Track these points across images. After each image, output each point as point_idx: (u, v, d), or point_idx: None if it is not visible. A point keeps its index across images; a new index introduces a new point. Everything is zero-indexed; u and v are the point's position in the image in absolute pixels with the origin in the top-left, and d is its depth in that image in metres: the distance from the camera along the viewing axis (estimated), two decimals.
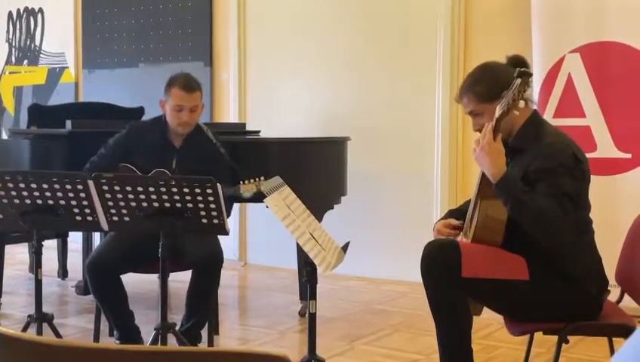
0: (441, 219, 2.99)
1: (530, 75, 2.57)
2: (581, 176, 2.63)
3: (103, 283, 3.41)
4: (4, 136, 7.27)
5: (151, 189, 2.83)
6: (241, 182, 3.40)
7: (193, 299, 3.50)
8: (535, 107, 2.85)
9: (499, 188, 2.55)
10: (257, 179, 3.37)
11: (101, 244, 3.62)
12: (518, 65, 2.67)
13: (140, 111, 5.45)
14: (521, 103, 2.55)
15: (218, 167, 3.56)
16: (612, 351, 2.90)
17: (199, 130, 3.69)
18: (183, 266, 3.47)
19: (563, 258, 2.62)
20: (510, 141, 2.71)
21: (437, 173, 5.28)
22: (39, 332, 3.17)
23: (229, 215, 3.40)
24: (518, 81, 2.51)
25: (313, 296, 2.62)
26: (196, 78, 3.66)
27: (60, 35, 7.18)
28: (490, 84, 2.70)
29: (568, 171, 2.57)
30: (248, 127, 5.33)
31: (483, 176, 2.66)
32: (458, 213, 2.99)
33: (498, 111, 2.56)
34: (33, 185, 2.94)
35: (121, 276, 3.47)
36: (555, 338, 2.60)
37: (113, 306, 3.48)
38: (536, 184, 2.55)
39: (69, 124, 4.52)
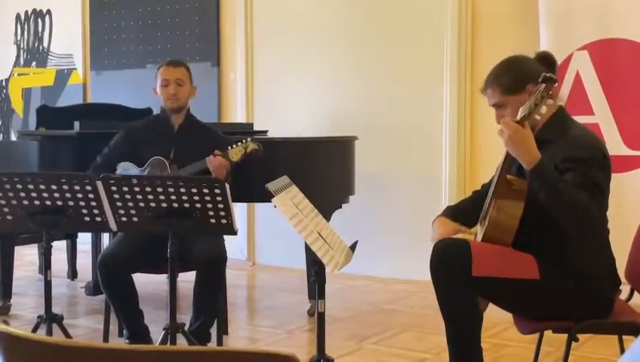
0: (441, 215, 2.97)
1: (555, 81, 2.51)
2: (608, 172, 2.60)
3: (114, 279, 3.42)
4: (13, 138, 7.30)
5: (159, 190, 2.84)
6: (229, 147, 3.53)
7: (199, 299, 3.51)
8: (561, 103, 2.81)
9: (533, 175, 2.48)
10: (244, 140, 3.58)
11: (113, 242, 3.65)
12: (546, 62, 2.66)
13: (148, 112, 5.44)
14: (543, 109, 2.51)
15: (217, 142, 3.69)
16: (622, 349, 2.89)
17: (194, 118, 3.89)
18: (189, 266, 3.48)
19: (573, 257, 2.60)
20: (536, 134, 2.64)
21: (445, 172, 5.27)
22: (49, 332, 3.18)
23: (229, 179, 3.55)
24: (542, 86, 2.47)
25: (322, 295, 2.61)
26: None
27: (68, 36, 7.20)
28: (516, 76, 2.67)
29: (599, 164, 2.55)
30: (256, 127, 5.33)
31: (501, 174, 2.64)
32: (456, 210, 2.97)
33: (520, 114, 2.52)
34: (42, 187, 2.95)
35: (132, 275, 3.49)
36: (564, 336, 2.59)
37: (123, 303, 3.50)
38: (565, 173, 2.50)
39: (77, 125, 4.53)
